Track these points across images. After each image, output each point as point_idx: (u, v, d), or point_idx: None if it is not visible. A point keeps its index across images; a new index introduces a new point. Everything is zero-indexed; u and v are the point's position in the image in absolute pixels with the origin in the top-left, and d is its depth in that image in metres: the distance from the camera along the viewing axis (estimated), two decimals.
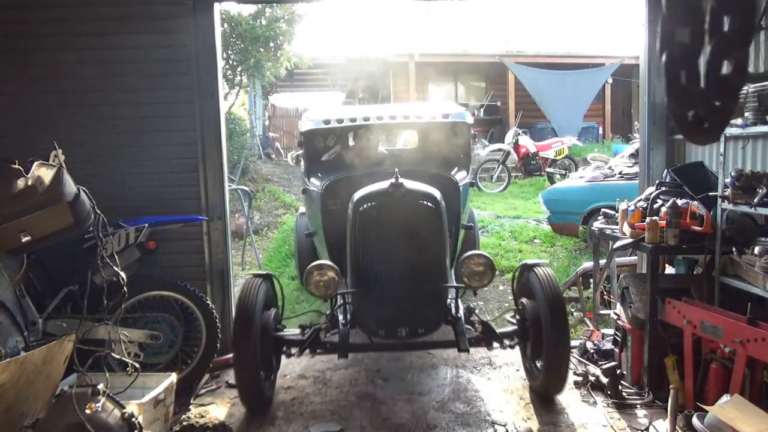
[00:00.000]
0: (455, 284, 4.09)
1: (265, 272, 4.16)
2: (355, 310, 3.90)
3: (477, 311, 4.24)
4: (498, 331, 3.95)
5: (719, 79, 1.54)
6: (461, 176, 5.18)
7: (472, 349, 3.84)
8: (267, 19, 12.36)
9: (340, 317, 3.93)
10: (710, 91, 1.56)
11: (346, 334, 3.79)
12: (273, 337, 3.91)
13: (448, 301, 3.97)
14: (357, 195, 3.98)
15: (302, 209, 6.92)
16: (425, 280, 3.81)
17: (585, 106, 17.24)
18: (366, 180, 4.30)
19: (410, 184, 3.89)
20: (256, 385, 3.74)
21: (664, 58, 1.57)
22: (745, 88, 3.91)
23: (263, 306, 3.84)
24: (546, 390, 3.97)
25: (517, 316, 4.05)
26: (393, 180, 3.78)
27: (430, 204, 3.87)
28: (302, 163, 5.80)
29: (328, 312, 4.07)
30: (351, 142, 5.89)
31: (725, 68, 1.55)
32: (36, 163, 3.40)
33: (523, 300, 4.05)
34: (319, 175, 5.28)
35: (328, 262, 3.97)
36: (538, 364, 3.98)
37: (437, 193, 3.98)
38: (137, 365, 3.27)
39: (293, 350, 3.90)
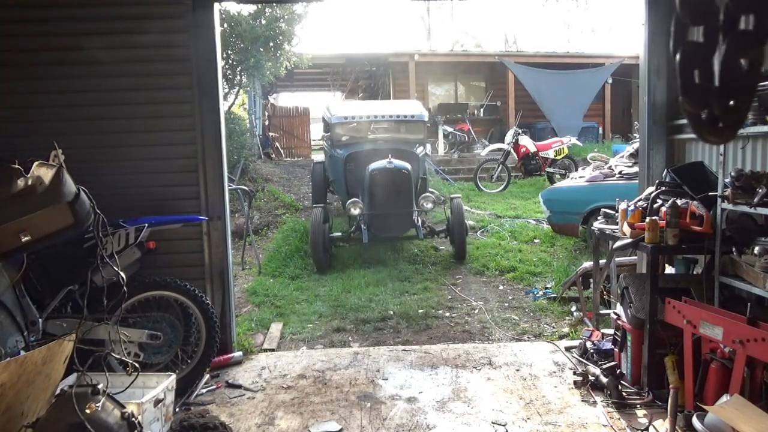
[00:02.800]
0: (416, 209, 7.99)
1: (322, 204, 8.43)
2: (368, 222, 7.81)
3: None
4: (437, 230, 8.23)
5: (734, 77, 1.53)
6: (420, 150, 9.37)
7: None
8: (267, 19, 12.36)
9: (363, 226, 7.79)
10: (725, 89, 1.55)
11: (367, 232, 7.73)
12: (328, 237, 7.81)
13: (414, 217, 7.96)
14: (370, 167, 7.91)
15: (316, 159, 12.69)
16: (402, 207, 7.85)
17: (585, 106, 17.24)
18: (369, 153, 8.58)
19: (396, 161, 7.90)
20: (323, 258, 7.65)
21: (677, 57, 1.57)
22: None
23: (323, 220, 7.72)
24: (456, 258, 8.05)
25: (447, 224, 8.22)
26: (389, 159, 7.87)
27: (405, 171, 7.89)
28: (328, 140, 10.02)
29: (354, 224, 8.08)
30: (358, 128, 9.77)
31: (740, 67, 1.54)
32: (36, 163, 3.39)
33: (449, 215, 8.23)
34: (340, 147, 9.29)
35: (357, 199, 7.88)
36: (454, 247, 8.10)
37: (409, 165, 8.02)
38: (137, 365, 3.26)
39: (339, 243, 8.23)
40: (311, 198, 11.19)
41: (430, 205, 7.94)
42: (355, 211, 7.73)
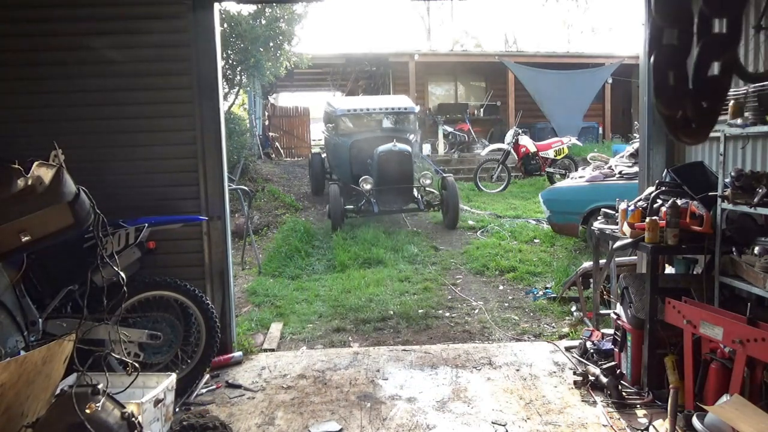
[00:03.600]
0: (416, 185, 9.84)
1: (338, 183, 10.22)
2: (376, 196, 9.50)
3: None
4: (434, 203, 9.97)
5: (706, 80, 1.55)
6: (412, 137, 11.18)
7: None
8: (267, 19, 12.35)
9: (373, 200, 9.44)
10: (698, 91, 1.56)
11: (375, 205, 9.44)
12: (342, 207, 9.50)
13: (414, 192, 9.81)
14: (378, 149, 9.75)
15: (314, 151, 14.95)
16: (405, 182, 9.66)
17: (585, 106, 17.23)
18: (370, 140, 10.41)
19: (400, 145, 9.73)
20: (339, 222, 9.36)
21: (652, 59, 1.59)
22: (744, 88, 3.92)
23: (339, 194, 9.52)
24: (448, 226, 9.73)
25: (441, 198, 10.00)
26: (393, 143, 9.73)
27: (407, 153, 9.76)
28: (331, 130, 11.63)
29: (364, 198, 9.69)
30: (360, 119, 11.54)
31: (713, 70, 1.56)
32: (36, 163, 3.39)
33: (443, 191, 9.91)
34: (344, 136, 11.05)
35: (369, 177, 9.62)
36: (447, 217, 9.89)
37: (409, 148, 9.91)
38: (137, 365, 3.26)
39: (351, 214, 9.69)
40: (310, 185, 13.20)
41: (428, 181, 9.94)
42: (367, 186, 9.49)
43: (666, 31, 1.59)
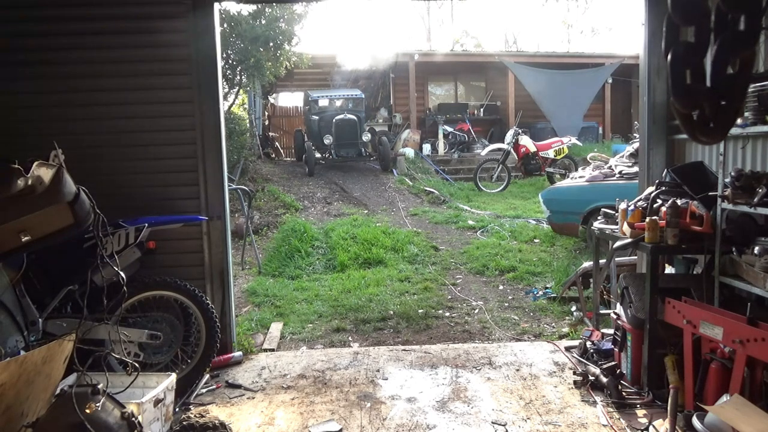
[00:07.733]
0: (363, 141, 15.14)
1: (312, 145, 15.13)
2: (334, 149, 14.90)
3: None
4: (372, 155, 15.44)
5: (725, 78, 1.52)
6: (362, 114, 15.77)
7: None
8: (267, 19, 12.34)
9: (332, 151, 14.89)
10: (716, 90, 1.54)
11: (334, 154, 14.91)
12: (315, 157, 14.68)
13: (359, 146, 15.12)
14: (336, 117, 15.08)
15: (296, 129, 18.37)
16: (352, 139, 15.06)
17: (585, 106, 17.23)
18: (332, 115, 15.42)
19: (348, 114, 15.28)
20: (313, 167, 14.40)
21: (669, 57, 1.56)
22: None
23: (313, 150, 14.81)
24: (383, 169, 14.76)
25: (377, 152, 15.11)
26: (345, 113, 15.29)
27: (353, 119, 15.12)
28: (308, 111, 16.41)
29: (327, 150, 15.15)
30: (326, 102, 16.57)
31: (731, 67, 1.53)
32: (36, 163, 3.38)
33: (379, 146, 14.92)
34: (316, 114, 15.90)
35: (330, 135, 14.83)
36: (381, 164, 15.07)
37: (355, 117, 15.20)
38: (137, 365, 3.26)
39: (320, 161, 15.18)
40: (294, 152, 18.10)
41: (366, 138, 14.93)
42: (327, 141, 14.62)
43: (682, 29, 1.57)
